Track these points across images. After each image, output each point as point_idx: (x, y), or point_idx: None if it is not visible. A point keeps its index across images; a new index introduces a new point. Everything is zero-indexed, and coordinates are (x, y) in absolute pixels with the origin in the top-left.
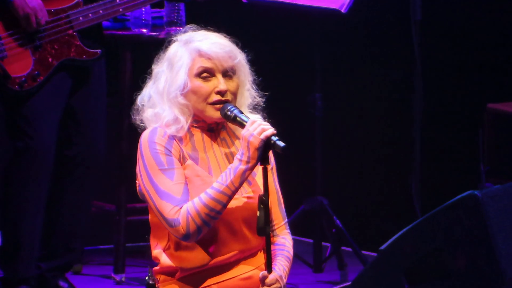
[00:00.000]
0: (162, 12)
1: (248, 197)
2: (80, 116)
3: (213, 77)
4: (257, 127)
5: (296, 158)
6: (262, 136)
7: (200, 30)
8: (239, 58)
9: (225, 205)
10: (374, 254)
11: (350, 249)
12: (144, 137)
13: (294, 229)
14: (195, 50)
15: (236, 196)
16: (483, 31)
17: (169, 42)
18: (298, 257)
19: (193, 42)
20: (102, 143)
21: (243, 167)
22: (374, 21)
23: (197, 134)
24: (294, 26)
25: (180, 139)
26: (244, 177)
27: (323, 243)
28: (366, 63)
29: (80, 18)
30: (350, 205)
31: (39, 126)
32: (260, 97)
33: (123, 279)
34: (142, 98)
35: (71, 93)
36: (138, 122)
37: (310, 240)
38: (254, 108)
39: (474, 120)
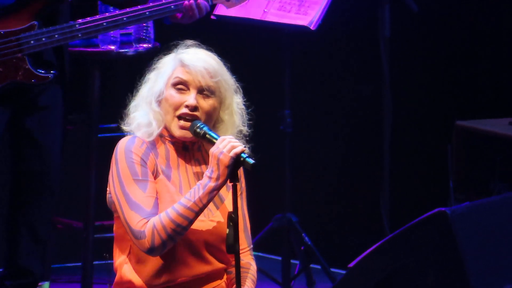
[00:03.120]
0: (130, 29)
1: (214, 221)
2: (34, 134)
3: (188, 91)
4: (227, 144)
5: (265, 174)
6: (232, 153)
7: (201, 48)
8: (220, 78)
9: (191, 221)
10: (343, 272)
11: (319, 266)
12: (121, 144)
13: (263, 246)
14: (178, 60)
15: (202, 218)
16: (452, 48)
17: (167, 51)
18: (266, 274)
19: (181, 53)
20: (57, 159)
21: (212, 184)
22: (343, 37)
23: (172, 151)
24: (263, 42)
25: (156, 153)
26: (212, 195)
27: (292, 261)
28: (335, 79)
29: (32, 41)
30: (319, 222)
31: None
32: (244, 126)
33: None
34: (133, 103)
35: (22, 113)
36: (125, 126)
37: (279, 257)
38: (237, 136)
39: (443, 137)
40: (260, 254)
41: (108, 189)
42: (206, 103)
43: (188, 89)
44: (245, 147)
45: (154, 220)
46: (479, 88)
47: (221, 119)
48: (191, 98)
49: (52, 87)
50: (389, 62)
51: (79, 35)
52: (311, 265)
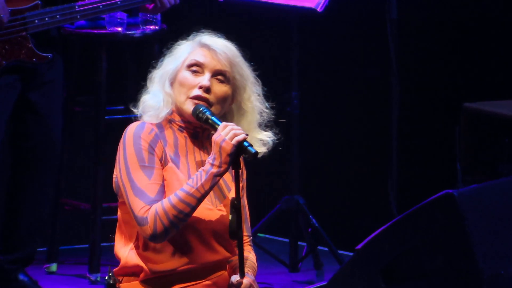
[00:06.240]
0: None
1: (222, 210)
2: (38, 108)
3: (202, 74)
4: (229, 132)
5: (272, 156)
6: (234, 141)
7: (220, 37)
8: (238, 67)
9: (194, 208)
10: (351, 254)
11: (326, 249)
12: (131, 129)
13: (270, 228)
14: (197, 42)
15: (210, 207)
16: (459, 29)
17: (184, 38)
18: (274, 256)
19: (200, 36)
20: (59, 134)
21: (214, 170)
22: (350, 19)
23: (181, 138)
24: (270, 25)
25: (165, 141)
26: (214, 181)
27: (300, 243)
28: (342, 62)
29: (36, 21)
30: (327, 204)
31: None
32: (262, 115)
33: (98, 278)
34: (146, 87)
35: (27, 88)
36: (135, 108)
37: (286, 240)
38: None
39: (451, 119)
40: (267, 236)
41: (114, 173)
42: (219, 88)
43: (203, 71)
44: (247, 135)
45: (157, 207)
46: (486, 70)
47: (231, 111)
48: (204, 79)
49: (56, 64)
50: (396, 45)
51: (78, 16)
52: (319, 247)
